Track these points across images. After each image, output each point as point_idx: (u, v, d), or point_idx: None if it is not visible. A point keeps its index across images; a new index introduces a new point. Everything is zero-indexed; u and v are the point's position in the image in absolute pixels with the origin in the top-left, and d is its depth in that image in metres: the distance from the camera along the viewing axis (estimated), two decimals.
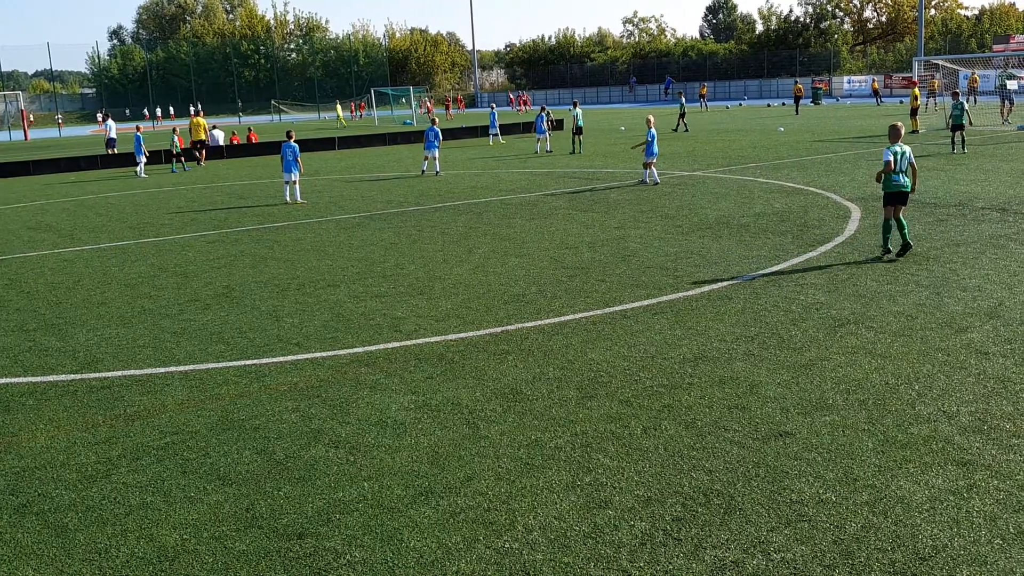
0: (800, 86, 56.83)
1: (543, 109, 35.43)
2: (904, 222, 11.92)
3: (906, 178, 11.83)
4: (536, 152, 33.24)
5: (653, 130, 21.52)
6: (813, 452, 6.14)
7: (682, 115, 41.87)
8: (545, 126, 33.44)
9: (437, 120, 28.11)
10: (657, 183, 21.40)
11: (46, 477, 6.35)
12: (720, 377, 7.72)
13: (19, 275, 14.07)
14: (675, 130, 41.05)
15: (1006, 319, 9.02)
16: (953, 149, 25.71)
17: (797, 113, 52.99)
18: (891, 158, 11.74)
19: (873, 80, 63.84)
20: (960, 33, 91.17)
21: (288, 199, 21.64)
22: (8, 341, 10.08)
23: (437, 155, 26.67)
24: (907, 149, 11.88)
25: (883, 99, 60.51)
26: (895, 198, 11.88)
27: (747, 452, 6.19)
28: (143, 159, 31.75)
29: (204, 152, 36.31)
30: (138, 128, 34.23)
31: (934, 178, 19.99)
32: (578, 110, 33.21)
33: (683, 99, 43.59)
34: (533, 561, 4.94)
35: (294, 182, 21.66)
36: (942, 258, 11.88)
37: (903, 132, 11.96)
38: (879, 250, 12.26)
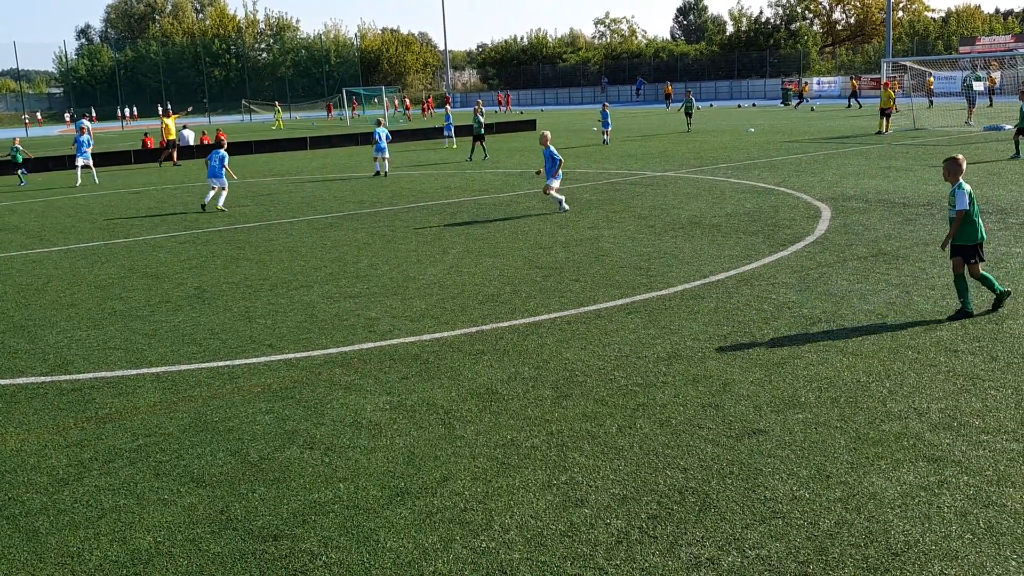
0: (856, 83, 59.55)
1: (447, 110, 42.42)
2: (989, 276, 9.26)
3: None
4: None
5: (551, 148, 17.47)
6: (786, 449, 6.19)
7: (689, 114, 41.58)
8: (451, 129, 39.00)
9: (383, 121, 28.40)
10: (565, 210, 17.64)
11: (17, 480, 6.28)
12: (694, 375, 7.77)
13: None
14: (687, 131, 40.35)
15: (974, 317, 9.13)
16: (1018, 153, 23.55)
17: (860, 106, 55.41)
18: (968, 205, 8.97)
19: (794, 83, 65.68)
20: (927, 35, 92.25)
21: (206, 202, 20.66)
22: None
23: (387, 156, 26.87)
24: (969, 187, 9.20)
25: (795, 100, 62.33)
26: (975, 251, 9.04)
27: (721, 450, 6.23)
28: (81, 161, 29.01)
29: (175, 152, 36.22)
30: (82, 130, 30.90)
31: (903, 178, 20.21)
32: (480, 116, 33.52)
33: (692, 99, 43.03)
34: (510, 560, 4.95)
35: (221, 188, 20.53)
36: (911, 257, 12.01)
37: (965, 165, 9.19)
38: (956, 311, 9.21)
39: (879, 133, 33.07)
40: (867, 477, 5.74)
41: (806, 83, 68.19)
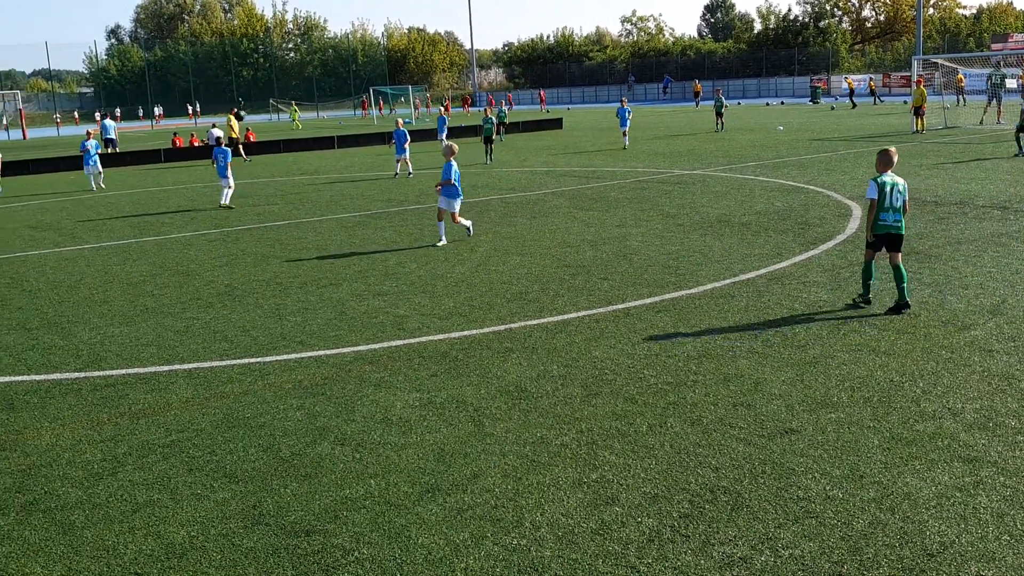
0: (852, 81, 59.44)
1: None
2: (904, 272, 9.32)
3: (899, 217, 9.30)
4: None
5: (453, 162, 15.00)
6: (819, 449, 6.14)
7: (720, 113, 39.53)
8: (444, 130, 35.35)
9: (401, 122, 28.03)
10: (469, 230, 15.60)
11: (52, 475, 6.35)
12: (725, 374, 7.73)
13: (20, 274, 14.06)
14: (717, 130, 38.97)
15: (1009, 316, 9.03)
16: (1019, 151, 23.62)
17: (854, 105, 54.97)
18: (876, 195, 9.24)
19: (823, 80, 65.26)
20: (959, 32, 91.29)
21: (223, 203, 21.02)
22: (11, 339, 10.08)
23: (407, 157, 26.45)
24: (900, 181, 9.35)
25: (821, 99, 61.46)
26: (883, 241, 9.35)
27: (753, 449, 6.19)
28: (95, 168, 27.63)
29: (240, 148, 36.19)
30: (88, 134, 28.33)
31: (934, 177, 20.00)
32: (492, 116, 32.25)
33: (722, 97, 40.79)
34: (541, 558, 4.94)
35: (229, 187, 21.14)
36: (944, 256, 11.89)
37: (896, 159, 9.42)
38: (857, 296, 9.85)
39: (915, 132, 32.52)
40: (901, 477, 5.68)
41: (871, 79, 67.48)
